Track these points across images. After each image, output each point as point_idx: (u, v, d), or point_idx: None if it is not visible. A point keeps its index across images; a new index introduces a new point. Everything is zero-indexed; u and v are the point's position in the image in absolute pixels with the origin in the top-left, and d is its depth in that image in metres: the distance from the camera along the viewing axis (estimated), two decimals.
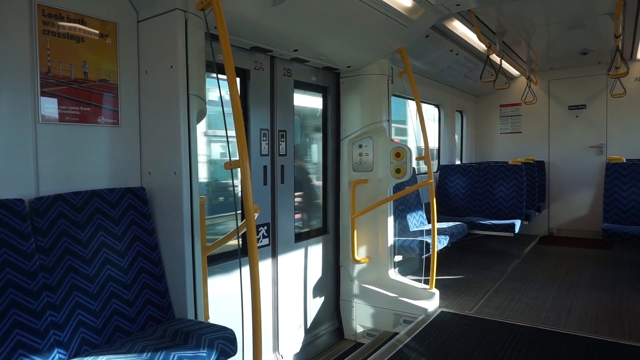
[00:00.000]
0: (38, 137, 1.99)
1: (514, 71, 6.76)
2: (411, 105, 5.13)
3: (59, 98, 2.05)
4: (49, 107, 2.02)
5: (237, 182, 2.56)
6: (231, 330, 2.02)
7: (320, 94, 4.11)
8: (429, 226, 4.04)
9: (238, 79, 3.23)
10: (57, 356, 1.80)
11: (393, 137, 4.12)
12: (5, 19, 1.89)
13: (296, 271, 3.74)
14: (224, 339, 1.95)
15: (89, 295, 1.98)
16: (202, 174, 3.53)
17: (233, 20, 2.52)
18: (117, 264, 2.11)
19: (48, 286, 1.86)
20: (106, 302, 2.03)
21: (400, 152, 3.84)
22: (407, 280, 4.02)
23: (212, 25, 2.19)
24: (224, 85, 2.00)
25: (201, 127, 2.47)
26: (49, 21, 2.02)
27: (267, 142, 3.41)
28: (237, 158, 1.93)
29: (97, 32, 2.20)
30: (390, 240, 4.06)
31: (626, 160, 5.73)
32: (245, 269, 1.97)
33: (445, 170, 6.39)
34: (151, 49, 2.30)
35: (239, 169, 1.94)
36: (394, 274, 4.07)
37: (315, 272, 3.96)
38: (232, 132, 1.97)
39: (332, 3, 2.85)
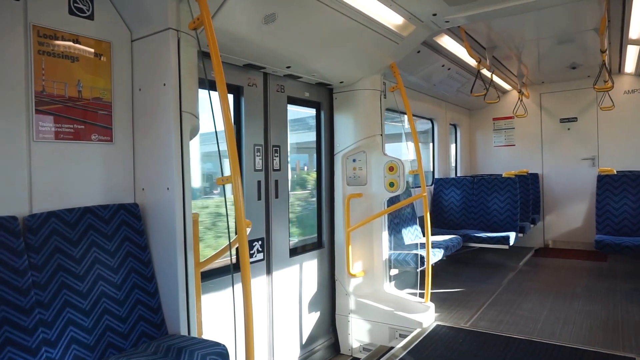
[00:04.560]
0: (32, 155, 2.01)
1: (506, 85, 6.86)
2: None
3: (53, 116, 2.08)
4: (44, 125, 2.05)
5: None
6: (224, 346, 2.02)
7: (314, 110, 4.16)
8: (424, 239, 4.05)
9: (232, 96, 3.28)
10: None
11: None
12: (1, 39, 1.93)
13: (291, 286, 3.74)
14: (217, 355, 1.95)
15: (81, 312, 1.98)
16: None
17: (225, 38, 2.57)
18: (110, 280, 2.12)
19: (40, 303, 1.86)
20: (99, 318, 2.03)
21: (394, 166, 3.88)
22: (403, 294, 4.02)
23: (204, 44, 2.24)
24: (217, 102, 2.04)
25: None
26: (44, 41, 2.06)
27: (260, 157, 3.44)
28: (229, 174, 1.96)
29: (92, 51, 2.24)
30: (385, 254, 4.07)
31: (617, 172, 5.79)
32: (238, 284, 1.98)
33: (440, 184, 6.43)
34: (145, 68, 2.34)
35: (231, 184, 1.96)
36: (389, 287, 4.07)
37: (311, 286, 3.96)
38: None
39: (323, 21, 2.92)
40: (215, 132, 2.11)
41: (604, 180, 5.73)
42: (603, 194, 5.67)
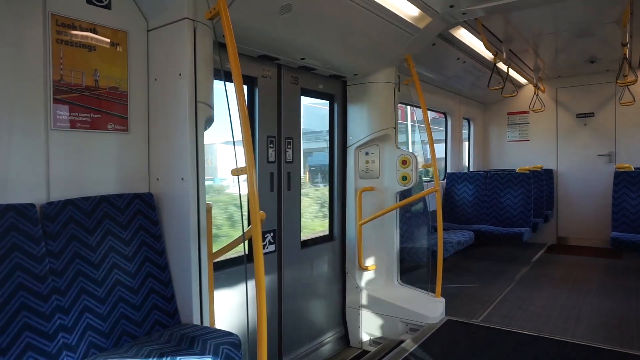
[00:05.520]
0: (50, 143, 2.03)
1: (521, 79, 6.76)
2: None
3: (70, 105, 2.10)
4: (61, 114, 2.07)
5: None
6: (236, 336, 2.03)
7: (327, 102, 4.15)
8: (436, 234, 4.03)
9: (246, 87, 3.27)
10: (65, 359, 1.82)
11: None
12: (21, 28, 1.94)
13: (302, 278, 3.75)
14: (229, 344, 1.96)
15: (97, 299, 2.01)
16: None
17: (241, 29, 2.56)
18: (124, 269, 2.14)
19: (57, 290, 1.89)
20: (114, 306, 2.06)
21: (407, 160, 3.85)
22: (414, 288, 4.01)
23: (220, 34, 2.23)
24: (232, 93, 2.03)
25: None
26: (62, 30, 2.07)
27: (274, 149, 3.44)
28: (244, 165, 1.96)
29: (109, 40, 2.25)
30: (397, 247, 4.05)
31: (635, 168, 5.69)
32: (251, 275, 1.99)
33: (453, 178, 6.38)
34: (160, 57, 2.35)
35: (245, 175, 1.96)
36: (400, 281, 4.07)
37: (321, 279, 3.97)
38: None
39: (339, 12, 2.89)
40: (231, 123, 2.10)
41: (621, 177, 5.63)
42: (620, 191, 5.58)
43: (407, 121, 8.31)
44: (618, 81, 5.17)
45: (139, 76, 2.37)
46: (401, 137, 8.43)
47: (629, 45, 4.69)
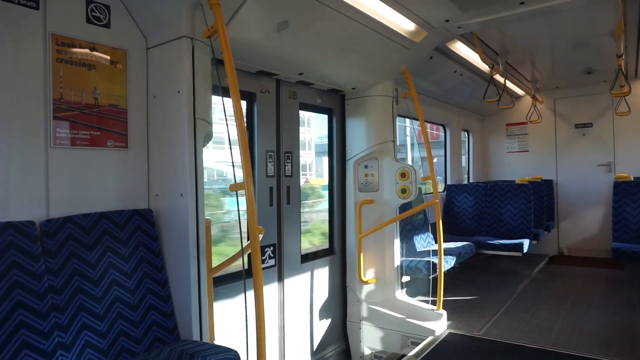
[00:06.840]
0: (49, 161, 2.05)
1: (519, 90, 6.80)
2: None
3: (70, 123, 2.12)
4: (61, 131, 2.09)
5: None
6: (236, 352, 2.02)
7: (326, 116, 4.17)
8: (436, 246, 4.02)
9: (245, 102, 3.30)
10: None
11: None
12: (21, 48, 1.97)
13: (302, 292, 3.74)
14: None
15: (96, 316, 2.00)
16: None
17: (239, 46, 2.60)
18: (124, 285, 2.14)
19: (56, 307, 1.88)
20: (113, 323, 2.05)
21: (406, 173, 3.86)
22: (415, 301, 3.99)
23: (218, 51, 2.26)
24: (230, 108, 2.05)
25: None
26: (62, 49, 2.10)
27: (273, 163, 3.46)
28: (242, 180, 1.97)
29: (108, 58, 2.28)
30: (397, 260, 4.04)
31: (634, 178, 5.69)
32: (250, 290, 1.99)
33: (452, 190, 6.38)
34: (159, 75, 2.38)
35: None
36: (401, 294, 4.05)
37: (322, 293, 3.95)
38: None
39: (336, 28, 2.93)
40: (229, 138, 2.12)
41: (620, 187, 5.63)
42: (620, 201, 5.57)
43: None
44: (612, 92, 5.19)
45: (138, 93, 2.39)
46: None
47: (623, 57, 4.73)
